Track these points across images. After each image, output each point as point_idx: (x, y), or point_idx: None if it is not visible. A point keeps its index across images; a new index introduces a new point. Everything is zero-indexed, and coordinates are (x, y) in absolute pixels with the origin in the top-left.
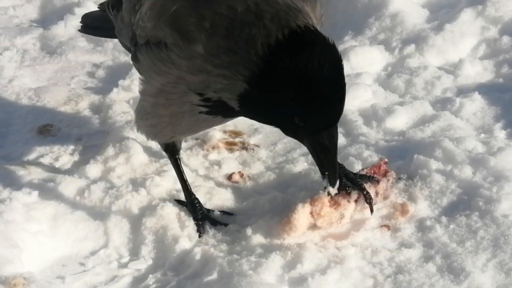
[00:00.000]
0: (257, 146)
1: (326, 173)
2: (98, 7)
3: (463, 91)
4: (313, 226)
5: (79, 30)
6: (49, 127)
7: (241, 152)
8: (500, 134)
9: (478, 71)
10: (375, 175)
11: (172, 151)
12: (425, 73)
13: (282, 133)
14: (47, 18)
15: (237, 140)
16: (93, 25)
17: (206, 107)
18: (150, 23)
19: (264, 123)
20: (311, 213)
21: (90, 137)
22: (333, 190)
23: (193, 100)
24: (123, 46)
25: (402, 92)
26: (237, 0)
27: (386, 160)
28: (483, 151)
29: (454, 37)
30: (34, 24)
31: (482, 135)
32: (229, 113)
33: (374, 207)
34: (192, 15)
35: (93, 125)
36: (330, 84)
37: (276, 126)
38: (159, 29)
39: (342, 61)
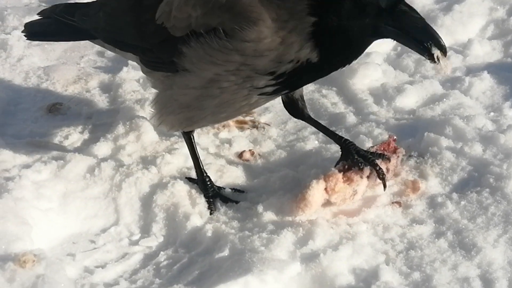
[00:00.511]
0: (268, 124)
1: (427, 44)
2: (38, 15)
3: (472, 71)
4: (327, 203)
5: (26, 38)
6: (59, 106)
7: (252, 131)
8: (509, 112)
9: (486, 51)
10: (385, 152)
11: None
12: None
13: None
14: None
15: (247, 118)
16: (40, 31)
17: (275, 85)
18: (197, 12)
19: (345, 51)
20: (325, 189)
21: (100, 116)
22: (444, 61)
23: (259, 83)
24: (106, 44)
25: (412, 71)
26: None
27: (395, 137)
28: (492, 129)
29: (463, 17)
30: (43, 4)
31: (492, 113)
32: (299, 81)
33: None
34: None
35: (103, 103)
36: None
37: (357, 34)
38: (213, 16)
39: None
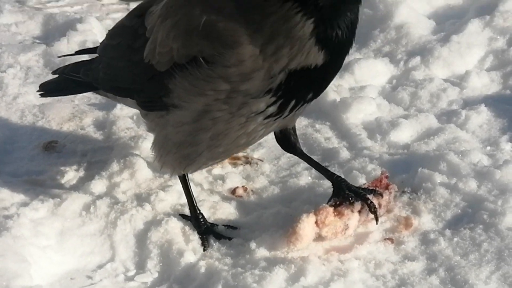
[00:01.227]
0: (261, 160)
1: None
2: (52, 73)
3: (469, 103)
4: (318, 238)
5: (41, 96)
6: (54, 144)
7: (245, 167)
8: (506, 146)
9: (485, 83)
10: (377, 189)
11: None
12: (430, 86)
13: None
14: (50, 35)
15: (240, 154)
16: (53, 89)
17: (277, 101)
18: (177, 44)
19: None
20: (316, 222)
21: (95, 153)
22: None
23: (258, 106)
24: (108, 93)
25: (407, 105)
26: None
27: (387, 174)
28: (488, 164)
29: (461, 48)
30: (37, 41)
31: (488, 147)
32: (306, 90)
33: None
34: (225, 20)
35: (98, 141)
36: None
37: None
38: (191, 45)
39: None
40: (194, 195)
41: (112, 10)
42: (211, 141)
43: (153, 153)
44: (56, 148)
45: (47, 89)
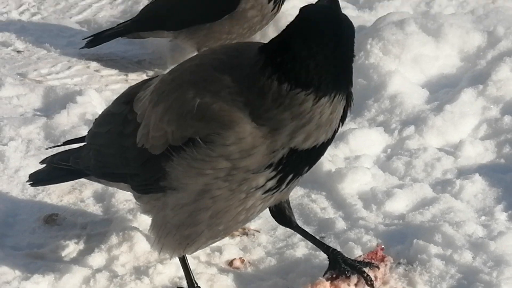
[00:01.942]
0: (258, 231)
1: None
2: (40, 163)
3: (463, 173)
4: None
5: (31, 185)
6: (55, 217)
7: (242, 238)
8: (501, 216)
9: (479, 152)
10: (373, 261)
11: None
12: (424, 155)
13: None
14: (50, 107)
15: None
16: (43, 178)
17: (277, 175)
18: (171, 127)
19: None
20: None
21: (95, 226)
22: None
23: (258, 181)
24: (98, 178)
25: (402, 174)
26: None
27: (382, 246)
28: (483, 235)
29: (454, 117)
30: (38, 113)
31: (483, 217)
32: (304, 163)
33: None
34: (220, 102)
35: (97, 213)
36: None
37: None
38: (186, 127)
39: None
40: (192, 268)
41: (111, 81)
42: (211, 219)
43: (152, 236)
44: (56, 221)
45: (37, 179)
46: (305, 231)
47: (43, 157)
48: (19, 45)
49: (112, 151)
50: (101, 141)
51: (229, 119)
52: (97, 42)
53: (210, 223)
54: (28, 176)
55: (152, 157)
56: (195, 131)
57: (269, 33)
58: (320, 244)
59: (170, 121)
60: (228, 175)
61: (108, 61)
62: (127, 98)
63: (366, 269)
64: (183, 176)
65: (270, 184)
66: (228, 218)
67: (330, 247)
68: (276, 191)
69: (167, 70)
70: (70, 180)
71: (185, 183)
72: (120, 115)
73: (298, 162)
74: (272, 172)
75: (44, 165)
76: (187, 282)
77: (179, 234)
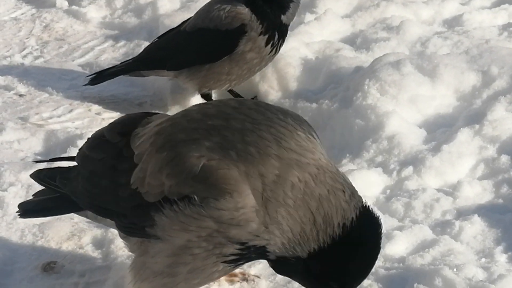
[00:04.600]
0: (258, 277)
1: None
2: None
3: (462, 214)
4: None
5: (20, 216)
6: (53, 264)
7: (242, 284)
8: (501, 258)
9: (477, 192)
10: None
11: None
12: (423, 196)
13: None
14: (51, 151)
15: (237, 271)
16: (34, 210)
17: (238, 255)
18: (170, 182)
19: (282, 274)
20: None
21: (93, 273)
22: None
23: (227, 251)
24: (87, 211)
25: (401, 216)
26: (285, 165)
27: None
28: (483, 278)
29: (452, 157)
30: (39, 157)
31: (483, 259)
32: (256, 258)
33: None
34: (229, 168)
35: (96, 260)
36: (375, 259)
37: (300, 281)
38: (186, 185)
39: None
40: None
41: None
42: (188, 274)
43: (129, 276)
44: (54, 269)
45: (25, 209)
46: None
47: None
48: (21, 88)
49: (104, 183)
50: (92, 167)
51: (233, 188)
52: (99, 80)
53: (187, 277)
54: (25, 220)
55: (144, 202)
56: (194, 191)
57: (268, 74)
58: None
59: (170, 175)
60: (210, 235)
61: (109, 104)
62: (123, 129)
63: None
64: (169, 228)
65: (231, 257)
66: (204, 275)
67: None
68: (233, 265)
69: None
70: (59, 214)
71: (170, 235)
72: (115, 146)
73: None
74: (237, 250)
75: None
76: None
77: (156, 281)
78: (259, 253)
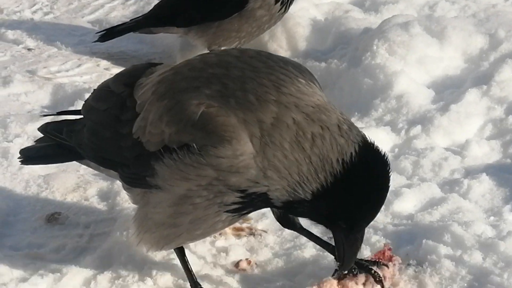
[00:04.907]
0: (265, 231)
1: (340, 263)
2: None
3: (470, 172)
4: None
5: (21, 163)
6: (57, 215)
7: (249, 238)
8: (509, 216)
9: (485, 152)
10: (381, 261)
11: None
12: (432, 154)
13: None
14: (59, 104)
15: (244, 225)
16: (35, 156)
17: (240, 203)
18: (170, 129)
19: (297, 216)
20: None
21: (98, 225)
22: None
23: (228, 199)
24: (90, 161)
25: (410, 174)
26: (283, 108)
27: (390, 246)
28: (492, 235)
29: (460, 117)
30: (46, 110)
31: (492, 217)
32: (264, 206)
33: None
34: (228, 115)
35: (101, 212)
36: (384, 199)
37: (311, 220)
38: (185, 133)
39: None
40: (197, 269)
41: None
42: (190, 225)
43: (133, 228)
44: (59, 220)
45: (27, 156)
46: (310, 232)
47: None
48: (30, 43)
49: (108, 134)
50: (97, 118)
51: (231, 135)
52: (109, 37)
53: (189, 227)
54: (29, 171)
55: (145, 152)
56: (193, 139)
57: (277, 33)
58: (325, 245)
59: (170, 123)
60: (210, 184)
61: (118, 60)
62: (129, 80)
63: (374, 267)
64: (169, 177)
65: (233, 207)
66: (206, 226)
67: (330, 245)
68: (237, 215)
69: None
70: (60, 162)
71: (171, 185)
72: (119, 97)
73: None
74: (238, 199)
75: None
76: (190, 284)
77: (159, 232)
78: (263, 200)
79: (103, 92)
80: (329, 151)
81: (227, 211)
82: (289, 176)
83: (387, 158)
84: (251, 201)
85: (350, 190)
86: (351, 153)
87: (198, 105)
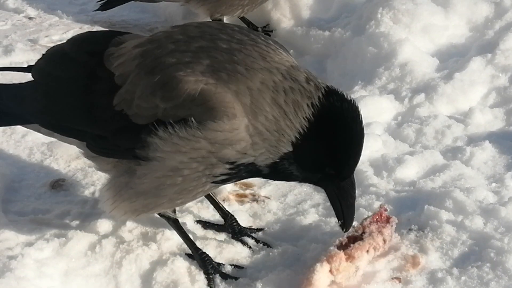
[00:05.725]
0: (268, 197)
1: (341, 220)
2: None
3: (473, 140)
4: (331, 283)
5: None
6: (62, 182)
7: (252, 204)
8: (511, 183)
9: (488, 120)
10: (378, 222)
11: (167, 217)
12: (435, 122)
13: (292, 184)
14: None
15: (247, 192)
16: None
17: (228, 174)
18: (166, 104)
19: (283, 180)
20: (330, 270)
21: None
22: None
23: (217, 171)
24: (43, 128)
25: (413, 141)
26: (267, 73)
27: (386, 207)
28: (494, 201)
29: (464, 85)
30: None
31: (493, 184)
32: (248, 176)
33: (385, 259)
34: (225, 91)
35: (105, 179)
36: (361, 136)
37: (298, 181)
38: (183, 108)
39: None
40: (200, 234)
41: None
42: (174, 195)
43: (105, 196)
44: (63, 186)
45: None
46: (211, 196)
47: None
48: (31, 12)
49: (75, 103)
50: (57, 86)
51: (231, 111)
52: (110, 5)
53: (172, 197)
54: (33, 138)
55: (131, 125)
56: (191, 114)
57: (281, 1)
58: (219, 209)
59: (166, 98)
60: (202, 157)
61: (120, 29)
62: (92, 48)
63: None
64: (161, 150)
65: (220, 177)
66: (190, 196)
67: (229, 214)
68: (221, 184)
69: None
70: (4, 126)
71: (162, 157)
72: (85, 65)
73: (244, 175)
74: (227, 170)
75: None
76: (191, 251)
77: (139, 201)
78: (250, 170)
79: (60, 58)
80: (298, 98)
81: (213, 182)
82: (270, 136)
83: (351, 98)
84: (238, 172)
85: (326, 130)
86: (319, 96)
87: (196, 81)
